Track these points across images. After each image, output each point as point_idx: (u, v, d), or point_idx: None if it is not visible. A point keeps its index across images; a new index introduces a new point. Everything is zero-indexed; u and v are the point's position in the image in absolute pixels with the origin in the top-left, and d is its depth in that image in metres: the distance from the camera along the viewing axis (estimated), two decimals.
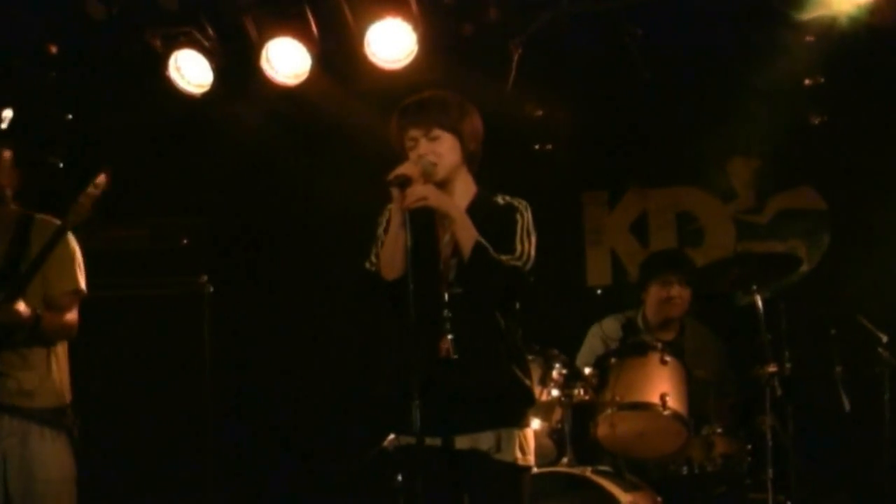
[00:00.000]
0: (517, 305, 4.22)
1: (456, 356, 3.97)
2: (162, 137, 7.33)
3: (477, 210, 4.15)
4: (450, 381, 3.97)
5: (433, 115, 4.17)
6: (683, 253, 7.03)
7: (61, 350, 4.73)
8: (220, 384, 6.48)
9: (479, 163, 4.32)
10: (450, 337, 3.99)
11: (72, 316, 4.71)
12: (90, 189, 4.65)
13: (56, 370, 4.67)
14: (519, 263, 4.03)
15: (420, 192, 3.95)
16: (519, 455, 4.08)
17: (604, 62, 6.85)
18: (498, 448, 4.04)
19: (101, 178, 4.64)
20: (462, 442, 4.05)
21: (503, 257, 4.00)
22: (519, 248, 4.06)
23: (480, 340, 4.07)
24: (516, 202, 4.20)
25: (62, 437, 4.64)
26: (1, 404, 4.52)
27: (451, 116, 4.18)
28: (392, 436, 4.74)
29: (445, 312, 4.03)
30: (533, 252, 4.08)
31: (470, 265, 4.00)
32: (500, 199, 4.22)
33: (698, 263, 6.94)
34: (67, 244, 4.75)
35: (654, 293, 6.29)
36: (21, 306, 4.44)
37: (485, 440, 4.04)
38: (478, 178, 4.31)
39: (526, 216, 4.15)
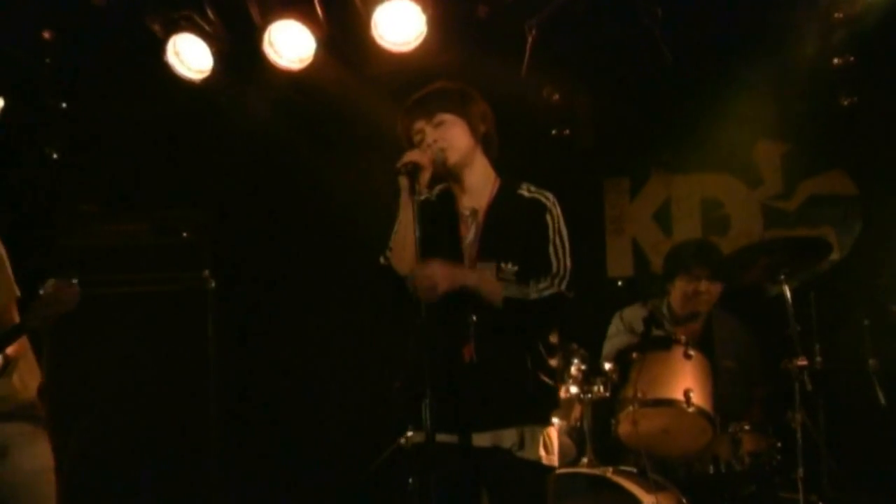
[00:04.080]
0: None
1: (479, 361, 4.04)
2: (162, 127, 7.36)
3: (501, 206, 4.21)
4: (472, 383, 4.04)
5: (434, 102, 4.25)
6: (712, 244, 7.00)
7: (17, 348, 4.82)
8: (224, 382, 6.53)
9: (498, 149, 4.37)
10: (474, 344, 4.05)
11: (15, 317, 4.80)
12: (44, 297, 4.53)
13: (18, 369, 4.77)
14: (558, 289, 4.07)
15: (426, 281, 3.90)
16: (543, 454, 4.14)
17: (624, 44, 6.81)
18: (521, 446, 4.09)
19: (51, 285, 4.52)
20: (483, 439, 4.08)
21: (540, 285, 4.04)
22: (554, 263, 4.10)
23: (506, 347, 4.11)
24: (543, 196, 4.22)
25: (38, 429, 4.77)
26: None
27: (452, 100, 4.26)
28: (409, 433, 4.80)
29: (473, 318, 4.07)
30: (569, 262, 4.12)
31: (505, 319, 4.04)
32: (525, 192, 4.25)
33: (724, 252, 6.93)
34: None
35: (680, 287, 6.28)
36: None
37: (508, 437, 4.09)
38: (498, 165, 4.36)
39: (556, 214, 4.18)
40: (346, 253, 7.13)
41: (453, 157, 4.19)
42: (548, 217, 4.16)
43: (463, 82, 4.40)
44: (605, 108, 7.26)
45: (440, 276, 3.95)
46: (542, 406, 4.21)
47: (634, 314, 6.31)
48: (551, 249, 4.12)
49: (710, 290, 6.21)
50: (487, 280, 4.05)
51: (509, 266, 4.09)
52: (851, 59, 6.64)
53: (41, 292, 4.44)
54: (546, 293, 4.04)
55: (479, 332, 4.07)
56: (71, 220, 6.98)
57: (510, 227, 4.14)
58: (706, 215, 7.63)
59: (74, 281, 4.46)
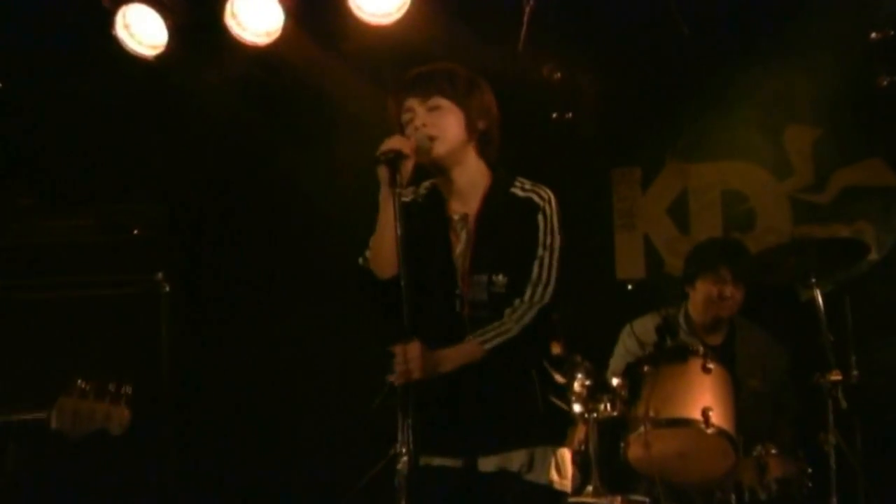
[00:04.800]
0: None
1: (479, 386, 4.05)
2: (110, 110, 7.28)
3: (493, 210, 4.20)
4: (472, 404, 4.07)
5: (435, 83, 4.21)
6: (740, 243, 6.91)
7: None
8: (179, 398, 6.50)
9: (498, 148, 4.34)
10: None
11: None
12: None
13: None
14: (539, 305, 4.10)
15: (401, 366, 3.89)
16: (555, 477, 4.14)
17: (634, 15, 6.80)
18: (530, 467, 4.10)
19: None
20: (488, 463, 4.10)
21: (517, 313, 4.06)
22: (535, 270, 4.11)
23: (507, 366, 4.10)
24: (538, 195, 4.20)
25: None
26: None
27: (455, 86, 4.21)
28: (404, 458, 4.74)
29: (467, 339, 4.08)
30: (555, 268, 4.13)
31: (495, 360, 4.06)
32: (519, 190, 4.23)
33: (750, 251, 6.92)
34: None
35: (702, 290, 6.25)
36: None
37: (515, 459, 4.09)
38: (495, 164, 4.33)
39: (549, 214, 4.17)
40: (320, 252, 7.13)
41: (440, 149, 4.16)
42: (539, 218, 4.17)
43: (455, 62, 4.36)
44: (612, 87, 7.24)
45: (416, 366, 3.91)
46: (553, 424, 4.22)
47: (647, 326, 6.27)
48: (536, 258, 4.14)
49: (736, 294, 6.20)
50: (466, 353, 4.06)
51: (500, 278, 4.13)
52: (892, 33, 6.63)
53: None
54: (527, 318, 4.08)
55: None
56: (5, 216, 6.92)
57: (502, 235, 4.15)
58: (728, 209, 7.62)
59: None
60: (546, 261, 4.12)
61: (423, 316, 3.96)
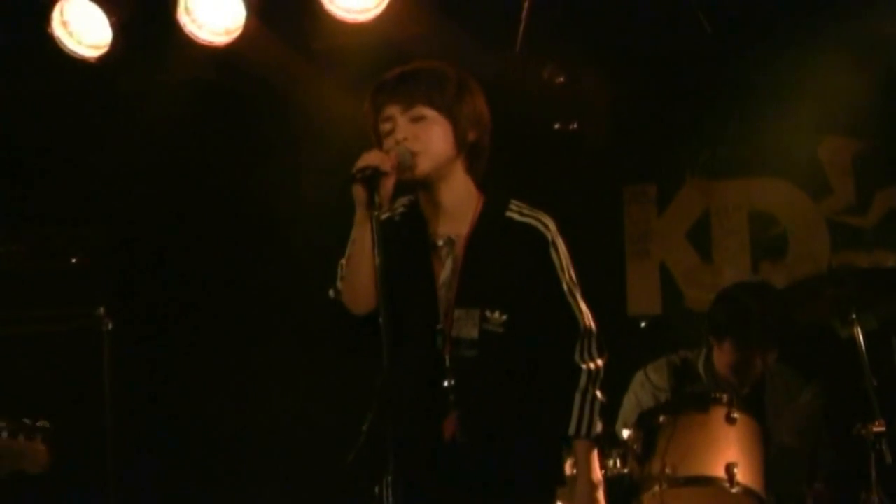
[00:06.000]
0: None
1: (465, 440, 4.01)
2: (46, 119, 7.32)
3: (485, 235, 4.16)
4: (457, 466, 4.03)
5: (419, 89, 4.14)
6: (772, 293, 6.72)
7: None
8: (123, 443, 6.48)
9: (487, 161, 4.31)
10: (456, 416, 4.02)
11: None
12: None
13: None
14: (600, 358, 4.21)
15: None
16: None
17: (648, 10, 6.85)
18: None
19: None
20: None
21: (582, 382, 4.14)
22: (579, 316, 4.17)
23: (498, 417, 4.10)
24: (541, 223, 4.19)
25: None
26: None
27: (444, 92, 4.15)
28: None
29: (447, 382, 4.05)
30: (585, 304, 4.19)
31: None
32: (516, 214, 4.20)
33: (780, 282, 6.94)
34: None
35: (729, 353, 6.26)
36: None
37: None
38: (485, 181, 4.31)
39: (559, 244, 4.17)
40: (284, 281, 7.13)
41: (424, 166, 4.09)
42: (552, 251, 4.15)
43: (454, 65, 4.30)
44: (623, 93, 7.26)
45: None
46: (546, 483, 4.22)
47: (662, 373, 6.30)
48: (569, 300, 4.16)
49: (767, 359, 6.22)
50: (588, 458, 4.21)
51: (496, 315, 4.09)
52: None
53: None
54: (600, 378, 4.19)
55: (461, 398, 4.04)
56: None
57: (498, 264, 4.11)
58: (756, 234, 7.66)
59: None
60: (578, 302, 4.16)
61: (398, 353, 3.87)
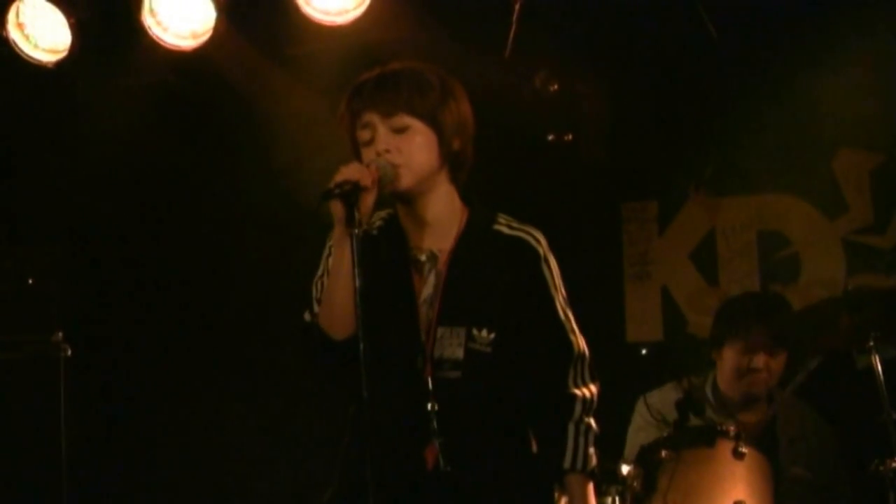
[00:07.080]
0: None
1: (448, 468, 3.99)
2: None
3: (470, 245, 4.16)
4: (440, 497, 4.02)
5: (400, 95, 4.11)
6: (780, 298, 6.93)
7: None
8: (79, 474, 6.52)
9: (470, 169, 4.30)
10: (438, 443, 4.00)
11: None
12: None
13: None
14: (593, 384, 4.24)
15: None
16: None
17: (649, 12, 6.86)
18: None
19: None
20: None
21: (576, 411, 4.16)
22: (573, 339, 4.20)
23: (484, 444, 4.10)
24: (531, 236, 4.20)
25: None
26: None
27: (426, 98, 4.12)
28: None
29: (430, 406, 4.03)
30: (578, 327, 4.22)
31: None
32: (504, 227, 4.21)
33: (792, 308, 6.94)
34: None
35: (730, 358, 6.20)
36: None
37: None
38: (466, 191, 4.29)
39: (552, 260, 4.19)
40: (254, 300, 7.13)
41: (407, 180, 4.07)
42: (544, 267, 4.17)
43: (436, 67, 4.28)
44: (622, 103, 7.29)
45: None
46: None
47: (666, 399, 6.27)
48: (562, 319, 4.18)
49: (771, 365, 6.14)
50: (585, 494, 4.20)
51: (484, 333, 4.08)
52: None
53: None
54: (594, 407, 4.22)
55: (444, 424, 4.02)
56: None
57: (485, 280, 4.11)
58: (766, 255, 7.66)
59: None
60: (571, 323, 4.19)
61: (376, 376, 3.83)
